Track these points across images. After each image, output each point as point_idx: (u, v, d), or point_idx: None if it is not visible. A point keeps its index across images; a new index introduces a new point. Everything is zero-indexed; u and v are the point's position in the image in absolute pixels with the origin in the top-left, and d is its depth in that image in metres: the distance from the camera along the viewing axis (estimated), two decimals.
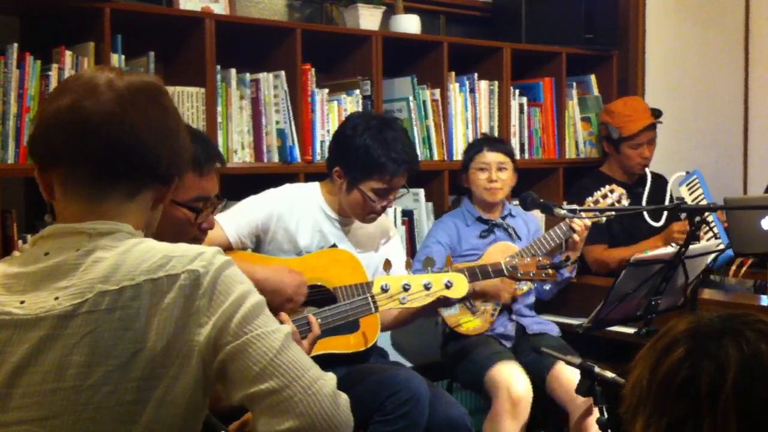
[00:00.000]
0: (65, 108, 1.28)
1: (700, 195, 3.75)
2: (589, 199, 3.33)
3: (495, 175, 3.33)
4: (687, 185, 3.80)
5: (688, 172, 3.83)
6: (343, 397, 1.29)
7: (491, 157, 3.35)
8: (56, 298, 1.24)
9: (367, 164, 2.70)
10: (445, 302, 2.61)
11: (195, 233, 1.85)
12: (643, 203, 3.87)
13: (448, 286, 2.53)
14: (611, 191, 3.32)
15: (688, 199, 3.75)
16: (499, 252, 3.22)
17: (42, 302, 1.24)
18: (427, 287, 2.50)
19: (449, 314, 3.26)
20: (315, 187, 2.89)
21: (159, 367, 1.22)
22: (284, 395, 1.23)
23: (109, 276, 1.24)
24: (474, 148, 3.42)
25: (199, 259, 1.27)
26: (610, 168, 4.01)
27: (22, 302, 1.25)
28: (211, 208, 1.90)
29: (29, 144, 1.34)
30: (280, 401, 1.23)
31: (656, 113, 3.93)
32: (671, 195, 3.94)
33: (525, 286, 3.27)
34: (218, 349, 1.24)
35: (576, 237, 3.20)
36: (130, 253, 1.27)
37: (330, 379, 1.29)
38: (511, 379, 3.04)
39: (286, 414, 1.23)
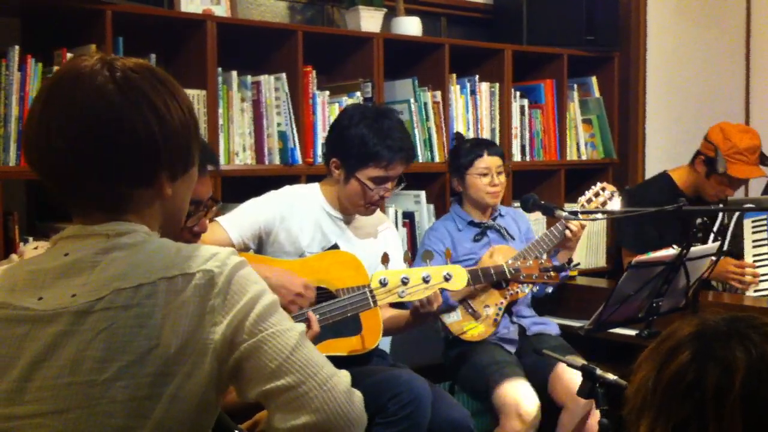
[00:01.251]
0: (55, 127, 1.29)
1: (763, 239, 3.50)
2: (582, 198, 3.31)
3: (496, 179, 3.32)
4: (753, 220, 3.56)
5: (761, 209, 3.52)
6: (357, 394, 1.32)
7: (491, 161, 3.33)
8: (73, 295, 1.26)
9: (363, 152, 2.70)
10: (445, 309, 2.61)
11: (186, 237, 1.83)
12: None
13: (447, 279, 2.52)
14: (603, 189, 3.29)
15: (749, 235, 3.53)
16: (500, 255, 3.21)
17: (59, 298, 1.26)
18: (425, 280, 2.49)
19: (452, 321, 3.24)
20: (315, 187, 2.89)
21: (172, 364, 1.23)
22: (300, 391, 1.25)
23: (125, 274, 1.26)
24: (472, 153, 3.36)
25: (213, 259, 1.28)
26: (684, 179, 3.78)
27: (40, 298, 1.27)
28: (203, 212, 1.88)
29: (27, 158, 1.35)
30: (295, 397, 1.25)
31: (765, 160, 3.67)
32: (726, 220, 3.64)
33: (527, 289, 3.26)
34: (233, 348, 1.26)
35: (568, 233, 3.20)
36: (147, 251, 1.28)
37: (344, 376, 1.31)
38: (521, 398, 3.02)
39: (302, 410, 1.25)
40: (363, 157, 2.71)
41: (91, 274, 1.27)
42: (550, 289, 3.39)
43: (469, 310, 3.24)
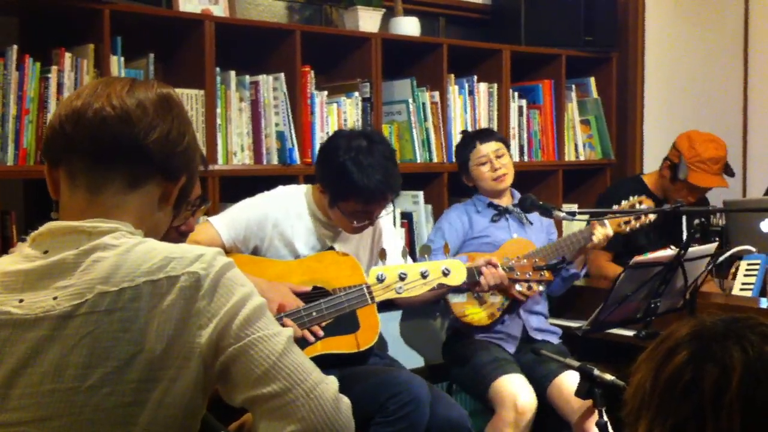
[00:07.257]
0: (73, 110, 1.30)
1: (749, 284, 3.44)
2: (616, 207, 3.25)
3: (497, 163, 3.33)
4: (748, 263, 3.50)
5: (757, 252, 3.45)
6: (345, 402, 1.29)
7: (486, 148, 3.35)
8: (55, 298, 1.23)
9: (342, 187, 2.65)
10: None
11: (173, 236, 1.81)
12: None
13: (445, 274, 2.50)
14: (640, 203, 3.23)
15: (741, 276, 3.47)
16: (517, 247, 3.19)
17: (41, 302, 1.23)
18: (424, 275, 2.47)
19: (456, 301, 3.23)
20: (306, 189, 2.87)
21: (158, 369, 1.21)
22: (286, 399, 1.23)
23: (108, 277, 1.23)
24: (467, 147, 3.39)
25: (199, 261, 1.26)
26: (653, 181, 3.84)
27: (20, 301, 1.24)
28: (191, 211, 1.86)
29: (42, 143, 1.36)
30: (281, 405, 1.23)
31: (729, 171, 3.71)
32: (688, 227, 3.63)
33: (542, 286, 3.22)
34: (220, 352, 1.24)
35: (595, 240, 3.16)
36: (130, 253, 1.26)
37: (332, 382, 1.29)
38: (518, 391, 3.02)
39: (287, 418, 1.23)
40: (342, 191, 2.66)
41: (73, 276, 1.24)
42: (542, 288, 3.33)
43: (475, 295, 3.21)
